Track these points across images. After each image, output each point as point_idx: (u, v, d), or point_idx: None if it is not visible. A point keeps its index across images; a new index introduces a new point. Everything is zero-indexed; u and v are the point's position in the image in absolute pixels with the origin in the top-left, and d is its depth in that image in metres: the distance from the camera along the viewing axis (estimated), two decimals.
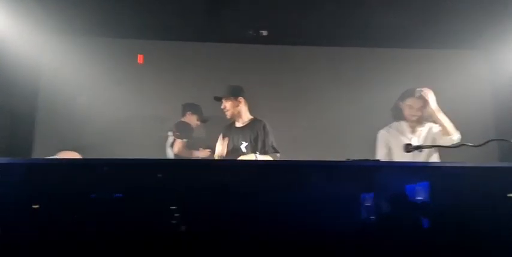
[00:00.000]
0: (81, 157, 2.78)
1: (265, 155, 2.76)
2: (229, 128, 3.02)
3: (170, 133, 3.43)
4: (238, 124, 2.99)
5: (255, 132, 2.87)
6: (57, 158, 2.55)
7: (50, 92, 3.57)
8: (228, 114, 2.97)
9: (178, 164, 1.94)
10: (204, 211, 1.55)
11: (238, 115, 2.97)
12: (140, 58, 3.64)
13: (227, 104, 2.97)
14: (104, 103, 3.55)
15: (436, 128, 2.88)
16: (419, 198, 1.57)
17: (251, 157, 2.72)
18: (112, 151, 3.26)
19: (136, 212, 1.53)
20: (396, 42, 3.72)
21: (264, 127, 2.89)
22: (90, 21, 3.38)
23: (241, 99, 2.97)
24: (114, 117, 3.54)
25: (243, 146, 2.87)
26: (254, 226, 1.56)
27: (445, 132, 2.77)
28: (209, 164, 2.02)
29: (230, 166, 1.82)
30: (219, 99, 2.99)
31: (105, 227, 1.52)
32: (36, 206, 1.49)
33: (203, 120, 3.52)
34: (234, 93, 2.98)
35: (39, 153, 3.44)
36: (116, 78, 3.55)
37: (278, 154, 2.83)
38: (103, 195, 1.52)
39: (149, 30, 3.59)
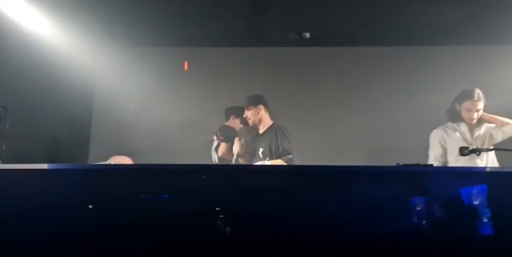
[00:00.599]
0: (131, 161, 2.89)
1: (276, 160, 2.81)
2: (253, 135, 3.14)
3: (215, 137, 3.47)
4: (260, 131, 3.09)
5: (271, 137, 2.94)
6: (110, 164, 2.66)
7: (104, 100, 3.77)
8: (250, 122, 3.09)
9: (221, 169, 1.95)
10: (248, 215, 1.54)
11: (259, 122, 3.07)
12: (186, 65, 3.74)
13: (249, 113, 3.08)
14: (154, 109, 3.69)
15: (491, 125, 2.79)
16: (475, 205, 1.48)
17: (259, 164, 2.78)
18: (161, 154, 3.37)
19: (182, 215, 1.55)
20: (441, 39, 3.53)
21: (278, 132, 2.92)
22: (139, 33, 3.55)
23: (261, 106, 3.06)
24: (163, 123, 3.65)
25: (260, 151, 2.96)
26: (300, 232, 1.52)
27: (500, 124, 2.73)
28: (252, 169, 2.01)
29: (276, 171, 1.81)
30: (240, 109, 3.13)
31: (154, 227, 1.56)
32: (91, 207, 1.55)
33: (246, 123, 3.54)
34: (254, 102, 3.07)
35: (95, 157, 3.63)
36: (164, 85, 3.67)
37: (290, 156, 2.82)
38: (152, 197, 1.56)
39: (194, 38, 3.69)
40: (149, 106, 3.68)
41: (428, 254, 1.48)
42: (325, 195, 1.55)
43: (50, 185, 1.62)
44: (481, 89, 2.79)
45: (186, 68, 3.70)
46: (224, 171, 1.76)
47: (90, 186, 1.62)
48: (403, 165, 1.57)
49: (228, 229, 1.52)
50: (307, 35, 3.41)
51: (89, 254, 1.52)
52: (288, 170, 1.71)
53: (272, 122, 3.09)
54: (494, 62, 3.48)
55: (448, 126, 2.88)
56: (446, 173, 1.67)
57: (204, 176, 1.58)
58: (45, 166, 1.78)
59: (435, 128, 2.94)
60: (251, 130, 3.20)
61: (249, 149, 3.10)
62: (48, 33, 3.10)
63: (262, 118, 3.07)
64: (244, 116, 3.12)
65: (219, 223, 1.52)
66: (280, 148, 2.86)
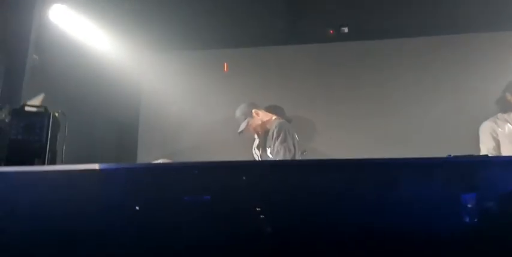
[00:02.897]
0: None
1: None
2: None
3: (256, 136, 3.52)
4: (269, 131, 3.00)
5: (272, 137, 2.87)
6: (152, 163, 2.77)
7: (150, 103, 3.93)
8: (259, 130, 3.04)
9: (263, 165, 1.96)
10: (290, 212, 1.54)
11: (264, 124, 3.02)
12: (226, 66, 3.82)
13: (251, 126, 3.04)
14: (196, 111, 3.79)
15: None
16: None
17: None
18: (205, 154, 3.46)
19: (223, 213, 1.57)
20: (487, 26, 3.34)
21: (275, 129, 2.82)
22: (180, 37, 3.65)
23: (254, 111, 3.02)
24: (206, 123, 3.75)
25: (269, 151, 2.91)
26: (343, 228, 1.49)
27: None
28: (293, 164, 2.01)
29: (318, 165, 1.78)
30: (245, 130, 3.06)
31: (196, 228, 1.57)
32: (137, 208, 1.59)
33: (287, 120, 3.55)
34: (246, 113, 3.03)
35: (143, 160, 3.78)
36: (206, 86, 3.77)
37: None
38: (194, 196, 1.59)
39: (232, 40, 3.74)
40: (192, 107, 3.79)
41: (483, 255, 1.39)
42: (369, 191, 1.50)
43: (94, 186, 1.65)
44: None
45: (226, 69, 3.77)
46: (264, 167, 1.76)
47: (136, 186, 1.66)
48: (454, 156, 1.51)
49: (269, 229, 1.51)
50: (345, 29, 3.37)
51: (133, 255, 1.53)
52: (332, 165, 1.67)
53: (274, 117, 3.03)
54: None
55: (498, 118, 2.77)
56: (504, 163, 1.58)
57: (244, 178, 1.57)
58: (95, 166, 1.84)
59: (484, 119, 2.82)
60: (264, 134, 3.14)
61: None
62: (98, 42, 3.30)
63: (264, 120, 3.03)
64: (251, 131, 3.06)
65: (261, 223, 1.51)
66: (277, 145, 2.76)
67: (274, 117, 3.07)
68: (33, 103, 1.80)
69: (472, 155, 1.50)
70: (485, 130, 2.77)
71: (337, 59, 3.72)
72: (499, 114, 2.78)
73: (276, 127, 2.89)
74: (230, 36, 3.69)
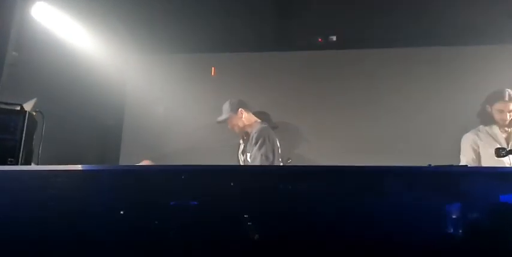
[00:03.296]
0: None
1: None
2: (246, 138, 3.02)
3: (241, 141, 3.50)
4: (250, 133, 2.96)
5: (252, 141, 2.82)
6: (135, 165, 2.72)
7: (135, 105, 3.88)
8: (237, 130, 2.98)
9: (250, 170, 1.94)
10: (276, 219, 1.52)
11: (245, 127, 2.97)
12: (213, 71, 3.80)
13: (232, 122, 2.98)
14: (182, 114, 3.76)
15: None
16: None
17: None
18: (189, 158, 3.42)
19: (210, 218, 1.54)
20: (471, 39, 3.42)
21: (254, 135, 2.77)
22: (167, 40, 3.63)
23: (241, 111, 2.96)
24: (192, 127, 3.72)
25: (240, 150, 2.89)
26: (328, 239, 1.47)
27: None
28: (280, 169, 2.00)
29: (302, 172, 1.78)
30: (223, 122, 3.01)
31: (184, 233, 1.54)
32: (121, 212, 1.55)
33: (273, 127, 3.54)
34: (233, 109, 2.97)
35: (126, 162, 3.72)
36: (193, 90, 3.74)
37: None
38: (180, 201, 1.56)
39: (221, 44, 3.74)
40: (178, 111, 3.76)
41: None
42: (350, 197, 1.49)
43: (78, 188, 1.62)
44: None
45: (213, 73, 3.75)
46: (251, 172, 1.74)
47: (120, 188, 1.62)
48: (435, 166, 1.51)
49: (256, 236, 1.49)
50: (334, 38, 3.40)
51: None
52: (317, 171, 1.67)
53: (257, 122, 3.00)
54: None
55: (480, 130, 2.80)
56: (483, 173, 1.59)
57: (232, 183, 1.55)
58: (78, 167, 1.80)
59: (466, 130, 2.86)
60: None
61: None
62: (82, 42, 3.25)
63: (246, 120, 2.98)
64: (229, 127, 3.01)
65: (248, 230, 1.49)
66: (254, 153, 2.69)
67: (257, 121, 3.03)
68: (26, 107, 1.75)
69: (451, 165, 1.51)
70: (466, 142, 2.81)
71: (325, 66, 3.74)
72: (481, 127, 2.81)
73: (255, 133, 2.85)
74: (219, 41, 3.68)
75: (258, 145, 2.72)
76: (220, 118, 3.06)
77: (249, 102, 3.61)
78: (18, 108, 1.70)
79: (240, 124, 2.99)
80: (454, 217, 1.42)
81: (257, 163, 2.69)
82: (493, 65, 3.38)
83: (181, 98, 3.76)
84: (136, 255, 1.52)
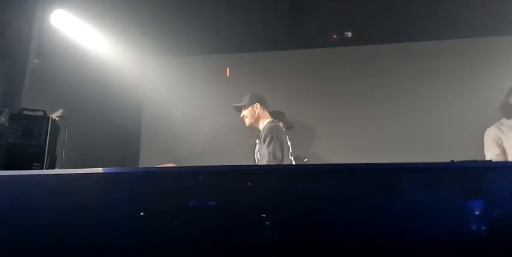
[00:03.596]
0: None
1: None
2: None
3: (257, 141, 3.50)
4: (260, 129, 2.99)
5: (261, 138, 2.82)
6: (155, 167, 2.75)
7: (153, 108, 3.94)
8: (247, 121, 3.00)
9: (267, 169, 1.94)
10: (292, 218, 1.51)
11: (257, 121, 2.98)
12: (228, 71, 3.82)
13: (245, 112, 3.00)
14: (199, 116, 3.79)
15: None
16: None
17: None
18: (207, 159, 3.44)
19: (228, 219, 1.54)
20: (488, 31, 3.34)
21: (263, 132, 2.79)
22: (182, 42, 3.67)
23: (257, 105, 2.97)
24: (209, 128, 3.75)
25: (256, 150, 2.87)
26: (345, 238, 1.45)
27: None
28: (295, 168, 1.98)
29: (317, 170, 1.76)
30: (238, 109, 3.04)
31: (200, 234, 1.55)
32: (142, 214, 1.56)
33: (288, 126, 3.53)
34: (251, 101, 2.99)
35: (145, 164, 3.78)
36: (209, 91, 3.76)
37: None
38: (198, 202, 1.56)
39: (235, 45, 3.75)
40: (195, 113, 3.79)
41: None
42: (369, 196, 1.47)
43: (100, 189, 1.64)
44: None
45: (228, 74, 3.77)
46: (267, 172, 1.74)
47: (141, 191, 1.64)
48: (458, 162, 1.47)
49: (275, 236, 1.48)
50: (349, 34, 3.37)
51: None
52: (335, 169, 1.65)
53: (268, 120, 3.00)
54: None
55: (503, 124, 2.72)
56: (508, 168, 1.54)
57: (249, 183, 1.54)
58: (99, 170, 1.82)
59: (489, 125, 2.79)
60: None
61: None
62: (100, 47, 3.31)
63: (259, 117, 2.99)
64: (241, 115, 3.05)
65: (265, 230, 1.49)
66: (266, 151, 2.70)
67: (269, 120, 3.04)
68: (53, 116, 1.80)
69: (476, 161, 1.47)
70: (489, 137, 2.73)
71: (341, 64, 3.71)
72: (504, 120, 2.74)
73: (264, 130, 2.86)
74: (233, 41, 3.69)
75: (266, 143, 2.73)
76: (236, 104, 3.10)
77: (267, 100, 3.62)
78: (41, 113, 1.74)
79: (251, 118, 3.02)
80: (478, 213, 1.38)
81: (265, 161, 2.69)
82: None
83: (197, 100, 3.79)
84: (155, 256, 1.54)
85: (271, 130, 2.83)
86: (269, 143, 2.73)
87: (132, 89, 3.86)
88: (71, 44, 3.03)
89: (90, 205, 1.61)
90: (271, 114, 3.51)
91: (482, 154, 2.78)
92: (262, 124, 3.01)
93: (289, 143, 2.95)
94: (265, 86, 3.74)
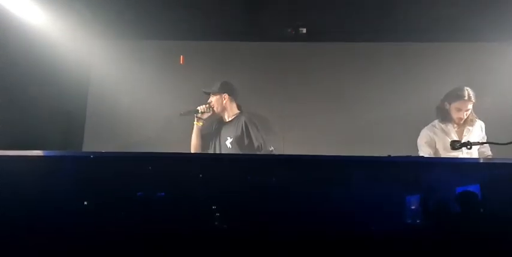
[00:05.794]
0: None
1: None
2: (217, 122, 3.10)
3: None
4: (225, 119, 3.05)
5: (239, 127, 2.91)
6: (101, 152, 2.66)
7: (99, 92, 3.76)
8: (214, 109, 3.04)
9: (217, 158, 1.95)
10: (242, 209, 1.54)
11: (223, 111, 3.04)
12: (182, 59, 3.74)
13: (213, 99, 3.04)
14: (148, 102, 3.69)
15: (484, 124, 2.82)
16: (469, 198, 1.47)
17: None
18: (155, 147, 3.38)
19: (177, 208, 1.54)
20: (437, 35, 3.54)
21: (246, 122, 2.90)
22: (134, 25, 3.53)
23: (225, 95, 3.02)
24: (158, 116, 3.66)
25: (228, 141, 2.92)
26: (291, 230, 1.50)
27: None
28: (247, 158, 2.01)
29: (266, 160, 1.80)
30: (207, 94, 3.09)
31: (151, 222, 1.53)
32: (86, 202, 1.51)
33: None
34: (221, 89, 3.03)
35: (89, 148, 3.63)
36: (160, 78, 3.67)
37: (271, 148, 2.88)
38: (146, 191, 1.54)
39: (190, 32, 3.68)
40: (145, 99, 3.68)
41: (422, 250, 1.45)
42: (312, 186, 1.53)
43: (41, 174, 1.56)
44: (471, 86, 2.81)
45: (181, 62, 3.69)
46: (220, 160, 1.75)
47: (86, 176, 1.59)
48: (394, 156, 1.59)
49: (224, 227, 1.49)
50: (304, 30, 3.43)
51: (81, 252, 1.47)
52: (289, 160, 1.69)
53: (239, 111, 3.06)
54: (486, 60, 3.53)
55: (436, 127, 2.89)
56: (441, 164, 1.68)
57: (201, 175, 1.55)
58: (39, 153, 1.75)
59: (425, 124, 2.97)
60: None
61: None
62: (44, 25, 3.09)
63: (226, 107, 3.04)
64: (208, 101, 3.07)
65: (215, 221, 1.50)
66: (254, 140, 2.83)
67: (238, 111, 3.08)
68: None
69: (409, 156, 1.59)
70: (424, 137, 2.90)
71: (295, 58, 3.77)
72: (436, 122, 2.89)
73: (239, 121, 2.93)
74: (189, 28, 3.61)
75: (254, 129, 2.87)
76: (205, 89, 3.12)
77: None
78: None
79: (217, 106, 3.04)
80: (410, 203, 1.50)
81: (254, 149, 2.80)
82: (455, 62, 3.55)
83: (148, 86, 3.69)
84: (96, 247, 1.50)
85: (246, 118, 2.92)
86: (257, 131, 2.88)
87: (78, 71, 3.66)
88: (11, 20, 2.81)
89: (27, 189, 1.54)
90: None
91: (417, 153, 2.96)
92: (228, 115, 3.03)
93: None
94: (218, 76, 3.72)
